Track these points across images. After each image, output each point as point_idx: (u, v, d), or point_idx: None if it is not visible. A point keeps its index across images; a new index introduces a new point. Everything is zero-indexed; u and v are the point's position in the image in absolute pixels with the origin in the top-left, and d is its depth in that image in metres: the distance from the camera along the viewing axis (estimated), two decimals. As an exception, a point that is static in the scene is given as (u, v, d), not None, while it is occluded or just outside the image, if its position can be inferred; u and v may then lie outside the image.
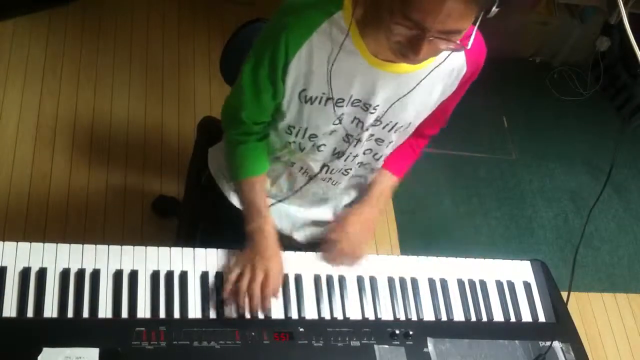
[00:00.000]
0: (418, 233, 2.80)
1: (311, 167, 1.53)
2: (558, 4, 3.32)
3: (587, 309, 2.81)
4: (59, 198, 2.47)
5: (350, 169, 1.54)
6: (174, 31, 3.04)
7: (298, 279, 1.47)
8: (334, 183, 1.58)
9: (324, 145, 1.47)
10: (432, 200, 2.93)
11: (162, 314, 1.35)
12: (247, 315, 1.40)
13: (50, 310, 1.30)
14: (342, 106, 1.37)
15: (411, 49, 1.14)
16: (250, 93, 1.38)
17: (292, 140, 1.45)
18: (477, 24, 1.15)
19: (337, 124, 1.40)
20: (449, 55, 1.28)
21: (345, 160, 1.50)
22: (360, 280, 1.51)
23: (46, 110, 2.66)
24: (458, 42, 1.14)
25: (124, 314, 1.33)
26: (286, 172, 1.58)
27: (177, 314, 1.36)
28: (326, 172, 1.54)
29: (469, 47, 1.15)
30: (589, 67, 3.56)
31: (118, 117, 2.72)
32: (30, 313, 1.29)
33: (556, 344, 1.51)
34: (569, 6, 3.36)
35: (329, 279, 1.49)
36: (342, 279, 1.50)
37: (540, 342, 1.50)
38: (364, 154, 1.51)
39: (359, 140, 1.44)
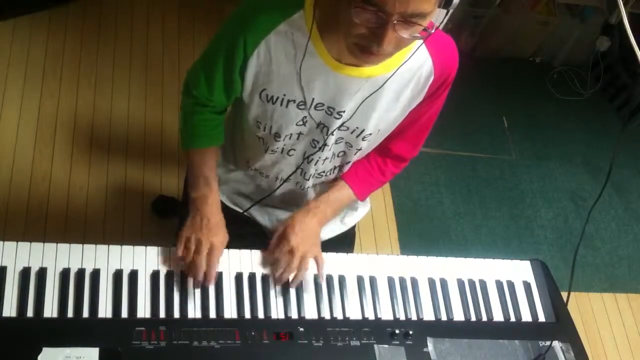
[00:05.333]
0: (418, 233, 2.80)
1: (285, 172, 1.54)
2: (558, 4, 3.32)
3: (587, 309, 2.81)
4: (59, 198, 2.47)
5: (323, 172, 1.54)
6: (174, 30, 3.04)
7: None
8: (307, 188, 1.58)
9: (294, 150, 1.47)
10: (432, 200, 2.93)
11: (162, 314, 1.35)
12: (196, 288, 1.39)
13: (50, 310, 1.30)
14: (303, 109, 1.36)
15: (375, 40, 1.11)
16: (204, 78, 1.39)
17: (260, 135, 1.44)
18: (443, 21, 1.11)
19: (300, 125, 1.39)
20: (414, 51, 1.26)
21: (316, 165, 1.50)
22: (360, 280, 1.51)
23: (46, 110, 2.66)
24: (422, 29, 1.10)
25: (124, 314, 1.33)
26: (262, 181, 1.59)
27: (177, 314, 1.36)
28: (300, 174, 1.54)
29: (433, 30, 1.12)
30: (589, 67, 3.56)
31: (118, 117, 2.72)
32: (30, 313, 1.29)
33: (556, 344, 1.51)
34: (569, 6, 3.36)
35: (329, 279, 1.49)
36: (342, 279, 1.50)
37: (540, 342, 1.50)
38: (338, 156, 1.50)
39: (325, 145, 1.44)
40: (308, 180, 1.55)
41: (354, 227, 1.81)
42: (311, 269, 1.49)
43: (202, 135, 1.50)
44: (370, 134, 1.42)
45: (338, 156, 1.51)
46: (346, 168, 1.56)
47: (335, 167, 1.55)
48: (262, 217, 1.71)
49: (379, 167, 1.58)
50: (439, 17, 1.23)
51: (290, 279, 1.45)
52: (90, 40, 2.90)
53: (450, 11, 1.13)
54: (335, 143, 1.45)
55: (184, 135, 1.53)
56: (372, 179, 1.59)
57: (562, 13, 3.35)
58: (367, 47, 1.14)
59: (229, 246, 1.48)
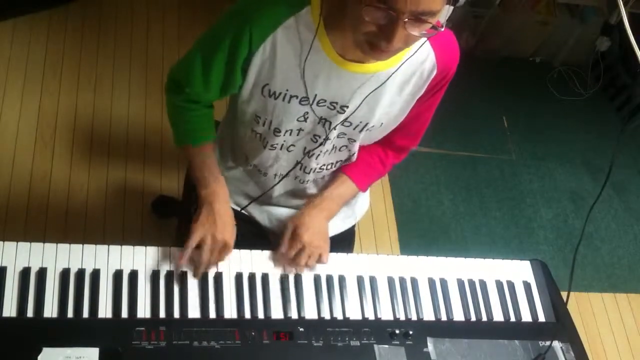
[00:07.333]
0: (418, 233, 2.80)
1: (284, 168, 1.53)
2: (558, 4, 3.32)
3: (587, 309, 2.81)
4: (59, 198, 2.47)
5: (324, 166, 1.54)
6: (174, 30, 3.04)
7: (297, 279, 1.47)
8: (308, 182, 1.58)
9: (293, 146, 1.47)
10: (432, 200, 2.93)
11: (162, 314, 1.35)
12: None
13: (50, 310, 1.30)
14: (306, 104, 1.35)
15: (384, 37, 1.11)
16: (200, 73, 1.36)
17: (259, 130, 1.44)
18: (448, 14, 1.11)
19: (301, 121, 1.39)
20: (419, 47, 1.25)
21: (317, 159, 1.50)
22: (360, 280, 1.51)
23: (46, 110, 2.66)
24: (431, 27, 1.10)
25: (124, 314, 1.33)
26: (261, 178, 1.59)
27: (177, 314, 1.36)
28: (300, 169, 1.54)
29: (442, 29, 1.12)
30: (589, 67, 3.56)
31: (118, 117, 2.72)
32: (30, 313, 1.29)
33: (556, 344, 1.51)
34: (569, 6, 3.36)
35: (329, 278, 1.49)
36: (342, 279, 1.50)
37: (540, 342, 1.50)
38: (340, 150, 1.50)
39: (327, 139, 1.43)
40: (309, 174, 1.55)
41: (354, 227, 1.81)
42: (312, 269, 1.49)
43: (200, 131, 1.50)
44: (373, 126, 1.43)
45: (340, 150, 1.51)
46: (350, 161, 1.56)
47: (338, 161, 1.55)
48: (261, 215, 1.70)
49: (379, 158, 1.59)
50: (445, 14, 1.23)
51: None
52: (90, 40, 2.90)
53: (458, 4, 1.13)
54: (337, 137, 1.45)
55: (178, 133, 1.53)
56: (372, 170, 1.60)
57: (562, 13, 3.35)
58: (375, 43, 1.14)
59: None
